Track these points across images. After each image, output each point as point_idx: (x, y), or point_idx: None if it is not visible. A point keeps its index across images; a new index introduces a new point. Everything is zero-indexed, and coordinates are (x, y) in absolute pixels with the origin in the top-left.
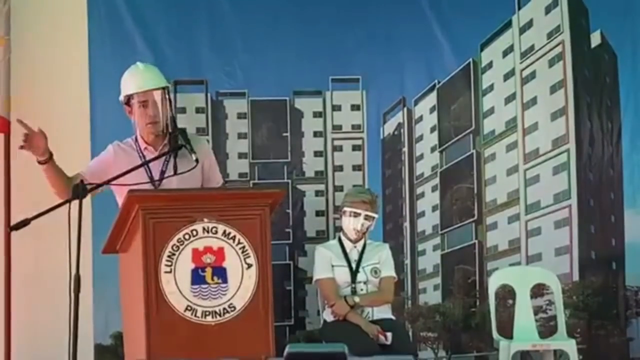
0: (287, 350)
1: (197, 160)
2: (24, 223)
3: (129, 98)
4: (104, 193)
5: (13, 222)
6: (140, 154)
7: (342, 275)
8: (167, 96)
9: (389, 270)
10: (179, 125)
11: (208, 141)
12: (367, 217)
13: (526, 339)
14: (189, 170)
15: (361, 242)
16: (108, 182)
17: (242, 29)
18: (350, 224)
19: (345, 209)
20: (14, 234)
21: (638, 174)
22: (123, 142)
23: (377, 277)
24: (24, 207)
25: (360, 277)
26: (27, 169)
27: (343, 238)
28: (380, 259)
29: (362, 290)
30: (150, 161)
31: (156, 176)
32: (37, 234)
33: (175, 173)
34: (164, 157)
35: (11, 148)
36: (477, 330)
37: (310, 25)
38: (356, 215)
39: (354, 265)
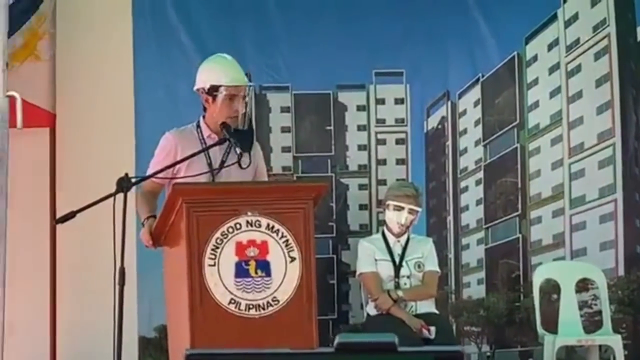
0: (337, 340)
1: (250, 163)
2: (70, 216)
3: (214, 88)
4: None
5: (59, 215)
6: (202, 141)
7: (386, 269)
8: (248, 94)
9: (432, 265)
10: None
11: None
12: (410, 211)
13: (571, 334)
14: (239, 167)
15: (404, 236)
16: (157, 173)
17: (286, 23)
18: (394, 217)
19: (389, 202)
20: (59, 226)
21: None
22: (181, 129)
23: (421, 271)
24: (70, 200)
25: (404, 271)
26: (73, 162)
27: (386, 232)
28: (424, 253)
29: (405, 284)
30: (210, 147)
31: (216, 165)
32: (82, 226)
33: (238, 161)
34: (225, 147)
35: (57, 141)
36: (521, 325)
37: (354, 19)
38: (400, 209)
39: (397, 259)
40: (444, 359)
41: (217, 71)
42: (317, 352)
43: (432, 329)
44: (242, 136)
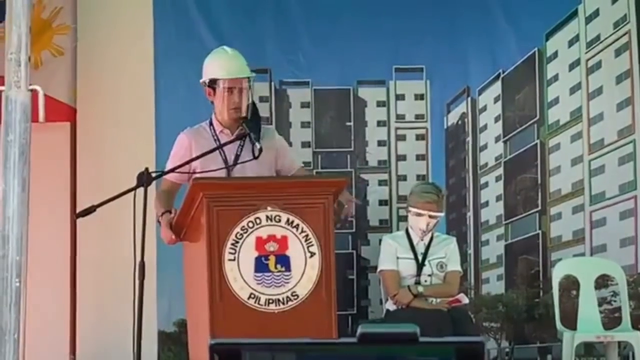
0: (359, 330)
1: (260, 150)
2: (90, 210)
3: (213, 81)
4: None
5: (79, 209)
6: (215, 138)
7: (408, 267)
8: (250, 85)
9: (455, 265)
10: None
11: None
12: (431, 216)
13: (590, 330)
14: (253, 159)
15: (428, 235)
16: (176, 168)
17: (307, 18)
18: (416, 223)
19: (410, 208)
20: (79, 221)
21: None
22: (195, 127)
23: (443, 271)
24: (90, 195)
25: (426, 270)
26: (93, 156)
27: (410, 230)
28: (447, 253)
29: (426, 281)
30: (223, 145)
31: (231, 160)
32: (102, 221)
33: (255, 156)
34: (239, 142)
35: (77, 136)
36: (541, 320)
37: (375, 14)
38: (420, 215)
39: (420, 258)
40: (465, 349)
41: (215, 65)
42: (339, 342)
43: (461, 295)
44: (249, 125)
